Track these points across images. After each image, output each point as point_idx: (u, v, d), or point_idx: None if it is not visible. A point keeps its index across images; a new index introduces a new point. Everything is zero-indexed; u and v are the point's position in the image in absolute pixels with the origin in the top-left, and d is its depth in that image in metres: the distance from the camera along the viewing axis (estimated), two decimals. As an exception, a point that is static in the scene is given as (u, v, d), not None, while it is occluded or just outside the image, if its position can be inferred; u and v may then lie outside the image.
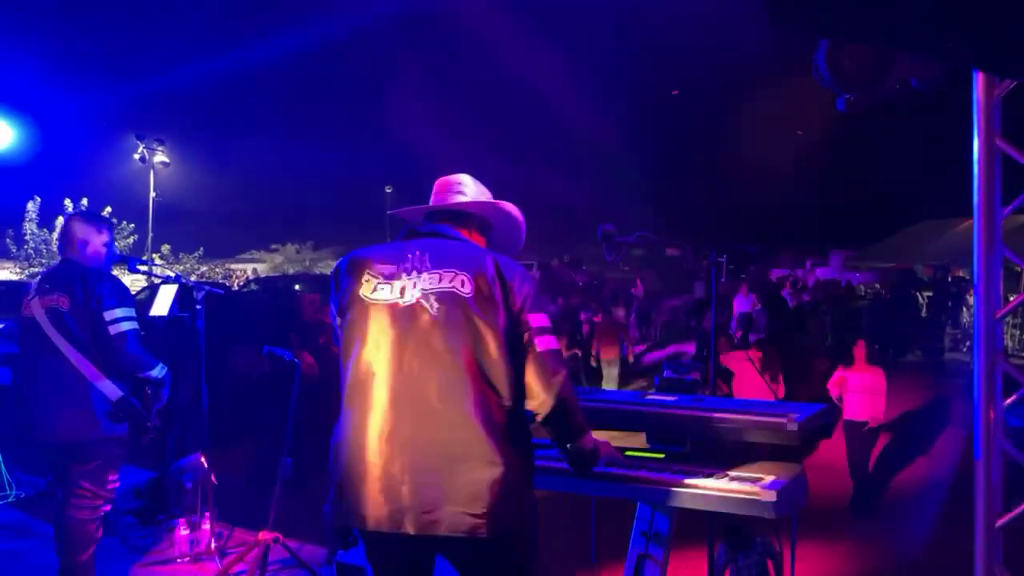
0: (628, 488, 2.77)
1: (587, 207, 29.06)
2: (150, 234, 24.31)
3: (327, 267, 37.30)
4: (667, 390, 3.27)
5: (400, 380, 2.27)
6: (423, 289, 2.33)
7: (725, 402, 3.06)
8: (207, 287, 4.47)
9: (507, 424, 2.27)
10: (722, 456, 2.91)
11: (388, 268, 2.40)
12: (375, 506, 2.25)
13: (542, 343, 2.32)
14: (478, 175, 2.72)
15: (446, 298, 2.31)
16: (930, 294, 18.63)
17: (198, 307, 4.43)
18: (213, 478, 4.69)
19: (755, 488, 2.51)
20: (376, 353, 2.31)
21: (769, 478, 2.56)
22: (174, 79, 32.66)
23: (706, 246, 3.16)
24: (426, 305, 2.31)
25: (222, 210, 37.23)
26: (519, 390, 2.31)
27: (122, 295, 3.76)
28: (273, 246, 41.01)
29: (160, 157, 23.10)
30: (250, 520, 4.80)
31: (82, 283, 3.69)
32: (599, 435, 2.58)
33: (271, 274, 30.66)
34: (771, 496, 2.44)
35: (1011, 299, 2.76)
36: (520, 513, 2.30)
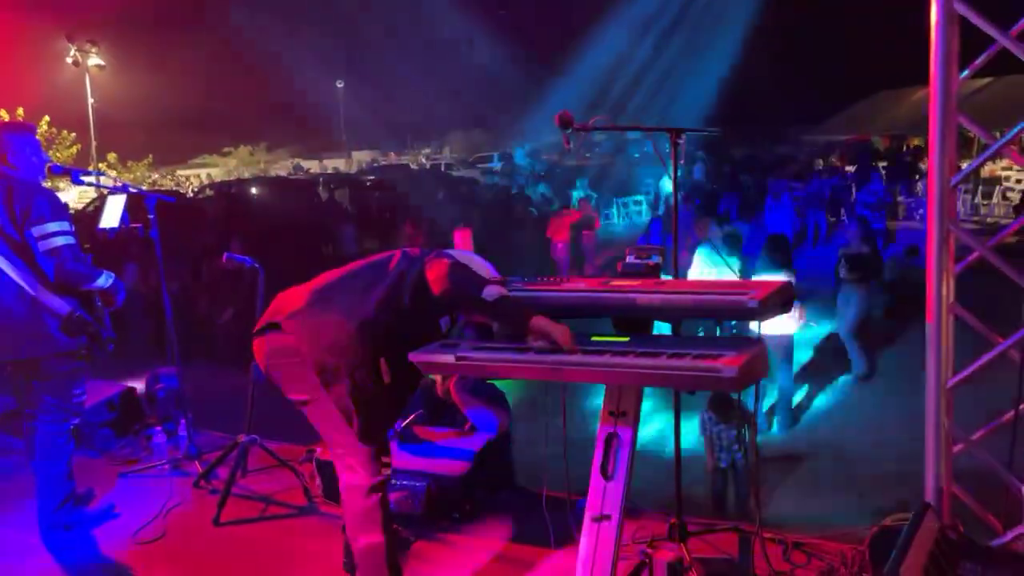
0: (593, 373, 2.83)
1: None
2: (93, 143, 23.40)
3: (284, 168, 36.45)
4: (630, 275, 3.29)
5: None
6: None
7: (687, 284, 3.09)
8: (157, 195, 4.34)
9: None
10: (686, 334, 2.97)
11: None
12: None
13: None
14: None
15: None
16: (885, 164, 18.85)
17: (150, 216, 4.31)
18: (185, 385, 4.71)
19: (716, 364, 2.56)
20: None
21: (730, 354, 2.62)
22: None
23: (668, 129, 3.10)
24: None
25: (170, 114, 35.85)
26: None
27: (54, 209, 3.64)
28: (225, 149, 39.78)
29: (95, 60, 21.97)
30: (227, 426, 4.85)
31: (12, 198, 3.56)
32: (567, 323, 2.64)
33: (226, 179, 29.87)
34: (732, 372, 2.50)
35: (964, 166, 2.78)
36: None
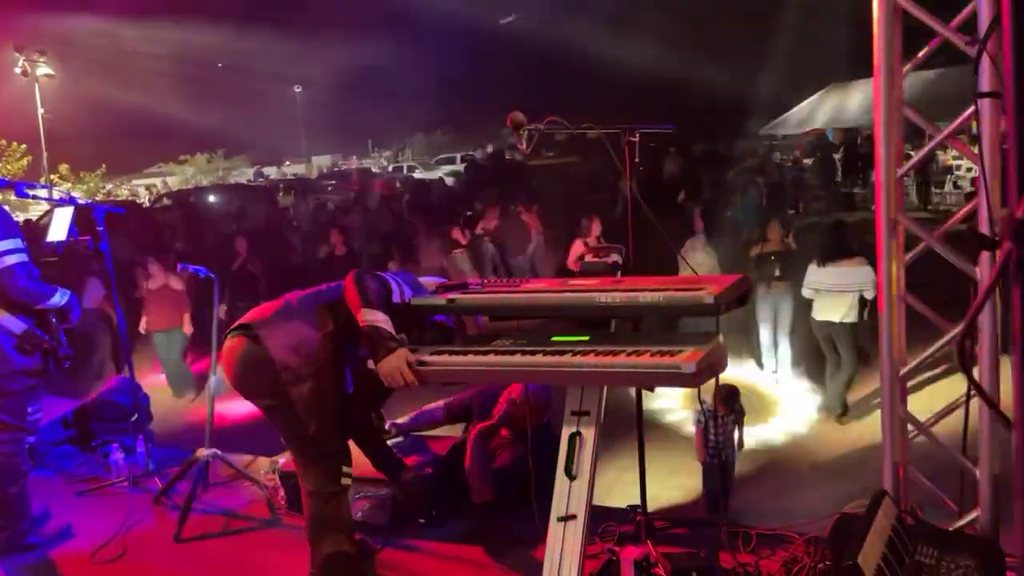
0: (555, 375, 2.83)
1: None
2: (44, 154, 22.84)
3: (242, 175, 35.98)
4: (589, 274, 3.30)
5: None
6: None
7: (645, 281, 3.10)
8: (106, 207, 4.25)
9: None
10: (645, 332, 2.98)
11: None
12: None
13: None
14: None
15: None
16: (839, 156, 19.18)
17: (99, 228, 4.22)
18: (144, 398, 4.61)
19: (675, 361, 2.58)
20: None
21: (689, 350, 2.64)
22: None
23: (621, 127, 3.11)
24: None
25: (123, 124, 35.10)
26: None
27: (6, 226, 3.55)
28: (182, 157, 39.16)
29: (44, 69, 21.43)
30: (187, 440, 4.77)
31: None
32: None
33: (183, 187, 29.40)
34: (691, 368, 2.52)
35: (912, 156, 2.82)
36: None
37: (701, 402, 5.49)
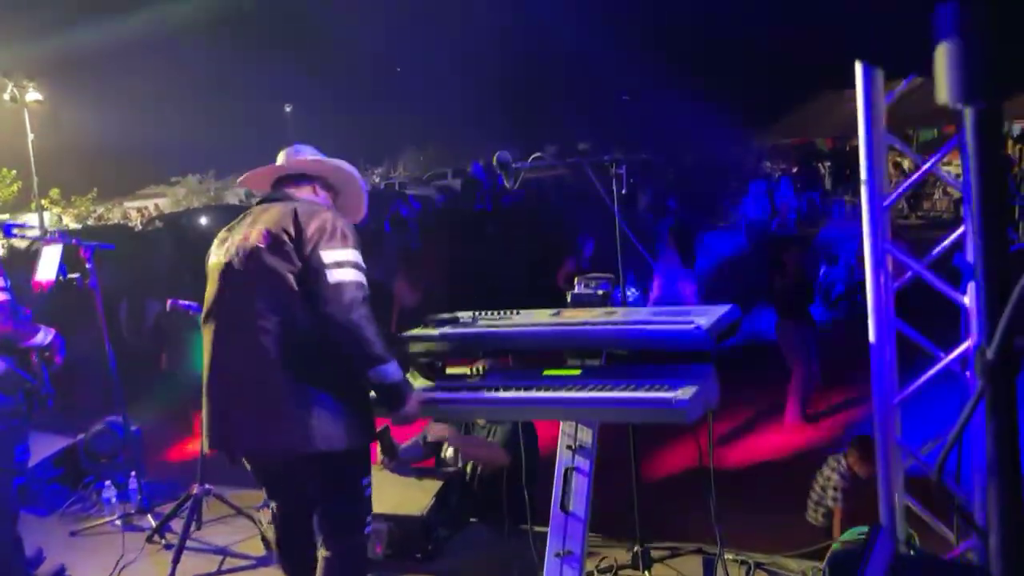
0: (548, 410, 2.82)
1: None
2: (35, 179, 22.79)
3: (234, 195, 35.87)
4: (579, 305, 3.29)
5: (220, 330, 2.69)
6: (235, 247, 2.69)
7: (636, 313, 3.10)
8: (95, 244, 4.23)
9: (308, 357, 2.59)
10: (637, 365, 2.98)
11: (224, 235, 2.80)
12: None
13: (333, 276, 2.56)
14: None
15: (247, 252, 2.65)
16: (830, 164, 19.27)
17: (88, 266, 4.20)
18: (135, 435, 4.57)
19: (668, 396, 2.57)
20: (212, 308, 2.73)
21: (682, 384, 2.63)
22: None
23: (606, 159, 3.12)
24: (234, 262, 2.67)
25: (112, 145, 35.04)
26: (319, 321, 2.57)
27: None
28: (173, 179, 39.01)
29: (33, 95, 21.43)
30: (181, 476, 4.73)
31: None
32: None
33: (174, 209, 29.32)
34: (683, 404, 2.52)
35: (897, 187, 2.83)
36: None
37: (837, 460, 4.54)
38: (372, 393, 2.75)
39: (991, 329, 0.80)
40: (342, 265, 2.57)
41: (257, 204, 2.84)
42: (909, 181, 2.93)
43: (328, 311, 2.53)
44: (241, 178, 3.11)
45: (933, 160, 2.70)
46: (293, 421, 2.58)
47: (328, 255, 2.56)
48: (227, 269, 2.69)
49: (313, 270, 2.55)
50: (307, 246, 2.56)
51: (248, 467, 2.90)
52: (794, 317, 6.96)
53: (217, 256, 2.76)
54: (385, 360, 2.61)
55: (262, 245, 2.61)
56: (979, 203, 0.79)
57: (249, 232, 2.68)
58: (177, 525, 4.12)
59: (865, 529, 3.20)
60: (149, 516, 4.38)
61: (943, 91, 0.75)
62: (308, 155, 2.94)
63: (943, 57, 0.75)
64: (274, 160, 2.99)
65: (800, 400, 6.89)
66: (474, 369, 3.17)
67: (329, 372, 2.62)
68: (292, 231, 2.59)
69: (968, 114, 0.77)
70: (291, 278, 2.56)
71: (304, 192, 2.84)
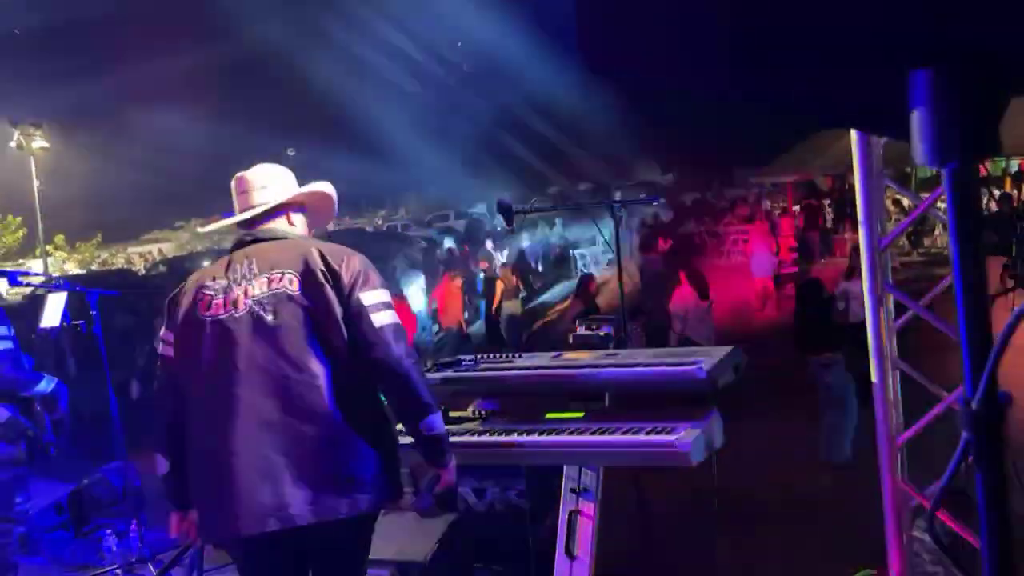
0: (552, 455, 2.82)
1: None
2: (40, 225, 23.00)
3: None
4: (581, 347, 3.31)
5: (247, 386, 2.33)
6: (254, 296, 2.39)
7: (637, 355, 3.10)
8: (98, 291, 4.26)
9: (356, 407, 2.36)
10: (640, 407, 2.98)
11: (221, 283, 2.47)
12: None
13: (377, 319, 2.36)
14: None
15: (278, 299, 2.37)
16: (828, 202, 19.36)
17: (92, 312, 4.23)
18: (136, 483, 4.55)
19: (670, 439, 2.57)
20: (220, 366, 2.37)
21: (683, 428, 2.63)
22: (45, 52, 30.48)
23: (604, 202, 3.16)
24: (259, 311, 2.37)
25: (117, 191, 35.36)
26: (362, 369, 2.36)
27: None
28: (177, 223, 39.30)
29: (39, 142, 21.74)
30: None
31: None
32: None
33: (178, 253, 29.46)
34: (686, 447, 2.52)
35: (891, 227, 2.85)
36: None
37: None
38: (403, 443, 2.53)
39: (975, 379, 0.81)
40: (380, 308, 2.37)
41: (244, 246, 2.55)
42: (905, 222, 2.96)
43: (375, 357, 2.32)
44: (205, 229, 3.04)
45: (927, 201, 2.73)
46: (348, 480, 2.32)
47: (367, 297, 2.36)
48: (244, 320, 2.37)
49: (355, 314, 2.34)
50: (345, 290, 2.35)
51: (239, 552, 2.52)
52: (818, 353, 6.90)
53: (215, 306, 2.43)
54: (434, 409, 2.40)
55: (296, 292, 2.36)
56: (957, 254, 0.81)
57: (270, 278, 2.40)
58: (179, 574, 4.08)
59: (873, 572, 3.17)
60: (150, 565, 4.34)
61: (918, 154, 0.77)
62: (278, 185, 2.67)
63: (917, 122, 0.77)
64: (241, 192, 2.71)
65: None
66: (475, 412, 3.17)
67: (369, 423, 2.40)
68: (327, 273, 2.37)
69: (943, 173, 0.80)
70: (341, 325, 2.34)
71: (280, 223, 2.61)
